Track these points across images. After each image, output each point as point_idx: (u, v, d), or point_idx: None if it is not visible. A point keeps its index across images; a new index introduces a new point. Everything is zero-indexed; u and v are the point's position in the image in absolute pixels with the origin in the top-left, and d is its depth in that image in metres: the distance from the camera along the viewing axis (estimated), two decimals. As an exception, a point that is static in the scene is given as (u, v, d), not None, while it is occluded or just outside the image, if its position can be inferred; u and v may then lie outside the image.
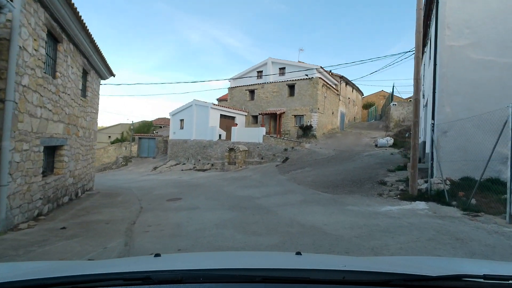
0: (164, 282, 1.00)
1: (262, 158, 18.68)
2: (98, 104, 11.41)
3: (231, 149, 18.90)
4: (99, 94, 11.50)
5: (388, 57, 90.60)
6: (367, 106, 41.35)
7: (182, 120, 25.13)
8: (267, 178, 12.49)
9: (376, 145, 18.74)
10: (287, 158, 17.45)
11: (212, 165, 20.34)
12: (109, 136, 40.36)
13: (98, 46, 9.17)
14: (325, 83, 23.15)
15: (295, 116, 22.87)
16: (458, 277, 1.03)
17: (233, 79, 26.97)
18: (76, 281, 1.03)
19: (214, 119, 22.24)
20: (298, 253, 1.54)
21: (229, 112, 23.66)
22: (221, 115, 23.10)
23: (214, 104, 22.04)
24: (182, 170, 21.03)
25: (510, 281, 1.01)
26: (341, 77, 26.96)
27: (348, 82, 29.29)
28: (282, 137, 19.25)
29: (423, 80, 11.36)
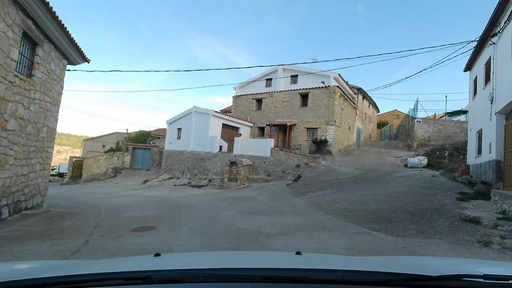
0: (164, 281, 0.99)
1: (269, 175, 15.65)
2: (59, 94, 8.66)
3: (232, 163, 15.94)
4: (62, 81, 8.78)
5: (425, 53, 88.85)
6: (379, 125, 38.54)
7: (179, 129, 22.38)
8: (278, 201, 9.43)
9: (406, 165, 15.68)
10: (299, 176, 14.42)
11: (210, 180, 17.31)
12: (104, 145, 37.73)
13: (57, 14, 6.58)
14: (343, 93, 20.44)
15: (307, 129, 20.00)
16: (458, 277, 1.03)
17: (239, 87, 24.46)
18: (76, 280, 1.02)
19: (215, 128, 19.45)
20: (298, 253, 1.54)
21: (232, 121, 20.89)
22: (223, 125, 20.32)
23: (216, 112, 19.33)
24: (175, 185, 18.01)
25: (510, 281, 1.01)
26: (359, 89, 24.30)
27: (365, 96, 26.60)
28: (294, 151, 16.28)
29: (494, 76, 8.51)
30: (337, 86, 19.34)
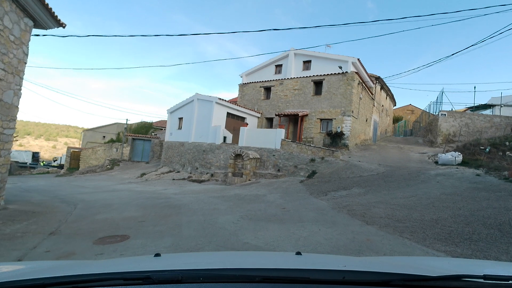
0: (164, 281, 0.99)
1: (278, 170, 13.76)
2: (21, 61, 6.85)
3: (237, 156, 14.09)
4: (26, 46, 6.97)
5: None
6: (394, 120, 36.25)
7: (180, 119, 20.58)
8: (294, 202, 7.54)
9: (436, 162, 13.65)
10: (314, 172, 12.51)
11: (212, 175, 15.51)
12: (104, 136, 36.21)
13: None
14: (361, 81, 18.34)
15: (321, 120, 17.99)
16: (458, 277, 1.03)
17: (246, 74, 22.50)
18: (76, 280, 1.02)
19: (218, 117, 17.58)
20: (298, 253, 1.53)
21: (238, 111, 18.98)
22: (228, 114, 18.44)
23: (220, 99, 17.42)
24: (173, 179, 16.27)
25: (510, 281, 1.01)
26: (377, 78, 22.11)
27: (383, 86, 24.40)
28: (308, 144, 14.33)
29: None
30: (356, 72, 17.25)
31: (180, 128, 20.44)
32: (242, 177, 13.51)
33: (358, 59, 17.62)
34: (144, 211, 7.02)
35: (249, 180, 13.50)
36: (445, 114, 21.01)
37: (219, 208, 7.09)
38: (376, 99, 22.90)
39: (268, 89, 20.85)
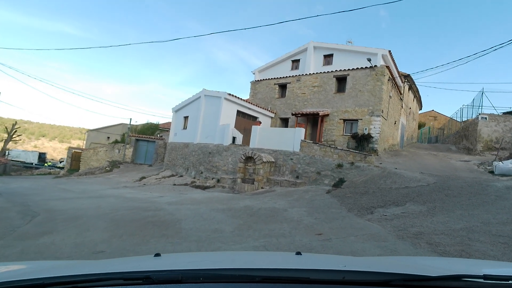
0: (164, 281, 0.98)
1: (297, 177, 11.50)
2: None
3: (248, 159, 11.92)
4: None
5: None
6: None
7: (186, 118, 18.65)
8: (329, 223, 5.28)
9: (491, 172, 11.14)
10: (342, 180, 10.20)
11: (218, 180, 13.36)
12: (108, 137, 34.72)
13: None
14: (392, 77, 16.00)
15: (344, 120, 15.68)
16: (458, 277, 1.02)
17: (259, 70, 20.46)
18: (76, 280, 1.01)
19: (227, 115, 15.52)
20: (298, 253, 1.51)
21: (249, 109, 16.89)
22: (238, 112, 16.37)
23: (230, 95, 15.38)
24: (174, 184, 14.22)
25: (510, 281, 1.00)
26: (406, 77, 19.66)
27: (411, 86, 21.91)
28: (334, 146, 12.00)
29: None
30: (386, 66, 14.95)
31: (185, 127, 18.48)
32: (253, 184, 11.32)
33: (389, 51, 15.34)
34: (116, 230, 4.91)
35: (262, 188, 11.29)
36: (485, 118, 18.32)
37: (223, 230, 4.90)
38: (404, 100, 20.44)
39: (283, 87, 18.71)
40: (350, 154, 11.13)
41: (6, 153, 39.95)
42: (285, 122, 18.23)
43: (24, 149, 54.51)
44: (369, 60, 14.61)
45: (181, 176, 16.47)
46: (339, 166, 10.69)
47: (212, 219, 5.78)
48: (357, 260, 1.77)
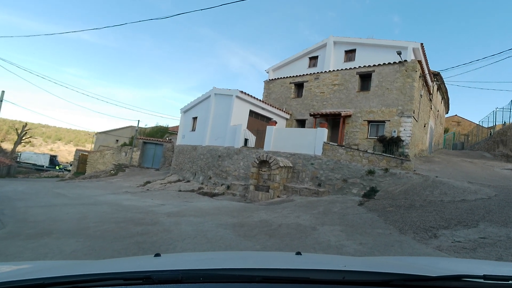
0: (164, 282, 0.98)
1: (319, 185, 9.92)
2: None
3: (262, 163, 10.45)
4: None
5: None
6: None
7: (195, 119, 17.41)
8: (384, 252, 3.74)
9: (555, 183, 9.26)
10: (374, 190, 8.56)
11: (228, 187, 11.92)
12: (117, 140, 33.95)
13: None
14: (423, 74, 14.29)
15: (369, 122, 14.03)
16: (458, 277, 1.01)
17: (273, 69, 19.09)
18: (76, 280, 0.99)
19: (239, 115, 14.14)
20: (298, 253, 1.50)
21: (263, 109, 15.48)
22: (251, 112, 14.98)
23: (242, 92, 14.03)
24: (180, 190, 12.86)
25: (510, 281, 0.99)
26: (436, 75, 17.84)
27: (440, 87, 20.01)
28: (364, 150, 10.37)
29: None
30: (418, 61, 13.27)
31: (193, 129, 17.23)
32: (268, 192, 9.82)
33: (421, 44, 13.67)
34: (86, 256, 3.52)
35: (278, 196, 9.77)
36: (528, 121, 16.31)
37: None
38: (432, 101, 18.59)
39: (300, 86, 17.23)
40: (383, 159, 9.49)
41: (19, 155, 39.99)
42: (301, 124, 16.70)
43: (40, 151, 54.87)
44: (399, 53, 12.99)
45: (188, 181, 15.14)
46: (370, 172, 9.06)
47: (219, 241, 4.31)
48: (357, 260, 1.75)
